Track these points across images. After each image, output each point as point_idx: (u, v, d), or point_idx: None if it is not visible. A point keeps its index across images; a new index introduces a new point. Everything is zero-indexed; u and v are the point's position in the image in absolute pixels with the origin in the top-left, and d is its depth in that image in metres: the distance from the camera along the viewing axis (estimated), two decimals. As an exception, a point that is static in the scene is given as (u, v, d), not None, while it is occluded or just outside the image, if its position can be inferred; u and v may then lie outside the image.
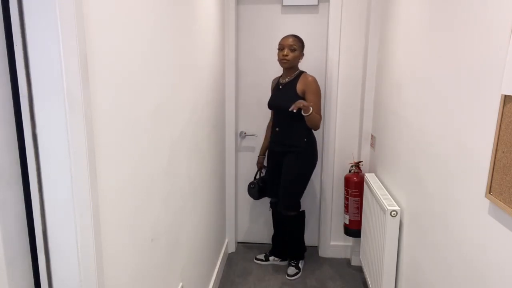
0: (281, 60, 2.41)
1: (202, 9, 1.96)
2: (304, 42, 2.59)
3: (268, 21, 2.77)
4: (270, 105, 2.57)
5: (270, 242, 2.93)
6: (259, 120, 2.90)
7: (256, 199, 2.80)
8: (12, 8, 0.74)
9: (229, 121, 2.84)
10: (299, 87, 2.41)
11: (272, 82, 2.66)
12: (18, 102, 0.78)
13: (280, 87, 2.50)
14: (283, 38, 2.43)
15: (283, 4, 2.68)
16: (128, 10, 1.07)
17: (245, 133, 2.95)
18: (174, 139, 1.53)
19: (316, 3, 2.67)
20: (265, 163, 2.78)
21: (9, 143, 0.79)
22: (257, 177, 2.82)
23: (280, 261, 2.82)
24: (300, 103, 2.22)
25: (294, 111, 2.25)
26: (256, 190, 2.72)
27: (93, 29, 0.88)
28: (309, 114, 2.29)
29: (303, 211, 2.66)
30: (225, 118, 2.83)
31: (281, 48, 2.41)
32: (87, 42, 0.85)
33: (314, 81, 2.39)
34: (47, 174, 0.80)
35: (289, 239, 2.70)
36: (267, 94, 2.77)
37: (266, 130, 2.76)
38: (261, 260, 2.84)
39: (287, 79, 2.48)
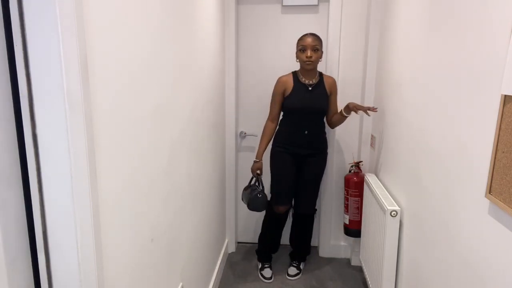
0: (305, 62, 2.32)
1: (202, 9, 1.96)
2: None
3: (268, 21, 2.77)
4: (302, 107, 2.37)
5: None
6: (259, 120, 2.90)
7: (260, 211, 2.47)
8: (12, 8, 0.74)
9: (229, 121, 2.84)
10: (327, 88, 2.44)
11: (283, 82, 2.43)
12: (18, 102, 0.78)
13: (310, 88, 2.41)
14: (303, 38, 2.32)
15: (283, 4, 2.68)
16: (128, 10, 1.07)
17: (245, 133, 2.95)
18: (174, 139, 1.53)
19: (316, 3, 2.67)
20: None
21: (9, 143, 0.79)
22: (257, 184, 2.50)
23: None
24: (358, 105, 2.25)
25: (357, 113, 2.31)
26: (265, 199, 2.45)
27: (93, 29, 0.88)
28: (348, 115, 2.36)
29: (316, 209, 2.71)
30: (225, 118, 2.83)
31: (302, 49, 2.32)
32: (87, 42, 0.85)
33: (336, 82, 2.50)
34: (47, 174, 0.80)
35: (301, 241, 2.71)
36: (268, 94, 2.75)
37: (266, 134, 2.50)
38: (271, 277, 2.65)
39: (314, 80, 2.42)
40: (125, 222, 1.09)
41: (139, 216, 1.19)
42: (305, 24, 2.74)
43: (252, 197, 2.43)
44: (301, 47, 2.33)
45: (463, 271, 1.20)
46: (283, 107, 2.47)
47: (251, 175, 2.88)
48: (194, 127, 1.84)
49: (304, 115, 2.41)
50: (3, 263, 0.78)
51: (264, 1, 2.74)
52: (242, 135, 2.96)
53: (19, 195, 0.82)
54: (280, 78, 2.47)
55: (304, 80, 2.42)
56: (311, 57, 2.29)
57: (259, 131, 2.90)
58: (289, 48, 2.75)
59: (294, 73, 2.46)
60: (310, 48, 2.29)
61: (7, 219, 0.79)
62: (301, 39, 2.35)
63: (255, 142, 2.93)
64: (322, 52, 2.37)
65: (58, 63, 0.75)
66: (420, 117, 1.63)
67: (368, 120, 2.63)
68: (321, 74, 2.46)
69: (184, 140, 1.68)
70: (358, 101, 2.71)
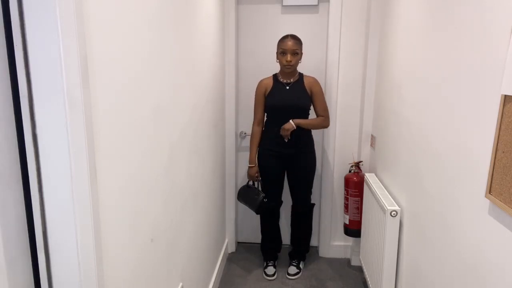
0: (285, 66, 2.37)
1: (202, 9, 1.96)
2: (304, 42, 2.59)
3: (268, 21, 2.77)
4: (280, 105, 2.43)
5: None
6: (259, 120, 2.90)
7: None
8: (12, 8, 0.74)
9: (229, 121, 2.84)
10: (308, 87, 2.46)
11: (263, 84, 2.50)
12: (18, 102, 0.78)
13: (288, 87, 2.46)
14: (283, 41, 2.36)
15: (283, 4, 2.68)
16: (128, 10, 1.07)
17: (245, 133, 2.95)
18: (174, 139, 1.53)
19: (316, 3, 2.67)
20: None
21: (9, 143, 0.79)
22: (259, 189, 2.62)
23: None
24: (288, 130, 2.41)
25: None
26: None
27: (93, 29, 0.88)
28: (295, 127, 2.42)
29: (313, 204, 2.72)
30: (225, 118, 2.83)
31: (283, 52, 2.36)
32: (87, 42, 0.85)
33: (318, 82, 2.50)
34: (47, 174, 0.80)
35: (301, 236, 2.72)
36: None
37: (254, 138, 2.57)
38: (273, 274, 2.68)
39: (292, 80, 2.47)
40: (125, 222, 1.09)
41: (139, 216, 1.19)
42: (305, 24, 2.74)
43: (259, 201, 2.54)
44: (281, 50, 2.37)
45: (463, 271, 1.20)
46: (265, 108, 2.54)
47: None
48: (194, 127, 1.84)
49: (284, 113, 2.45)
50: (3, 263, 0.78)
51: (264, 1, 2.74)
52: (242, 135, 2.96)
53: (19, 195, 0.82)
54: (261, 81, 2.55)
55: (283, 80, 2.48)
56: (290, 61, 2.35)
57: (259, 131, 2.90)
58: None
59: (274, 75, 2.54)
60: (290, 52, 2.34)
61: (7, 219, 0.79)
62: (281, 41, 2.37)
63: (255, 142, 2.93)
64: (301, 54, 2.42)
65: (58, 63, 0.75)
66: (420, 117, 1.63)
67: (368, 120, 2.63)
68: (301, 74, 2.50)
69: (184, 140, 1.68)
70: (358, 101, 2.71)
